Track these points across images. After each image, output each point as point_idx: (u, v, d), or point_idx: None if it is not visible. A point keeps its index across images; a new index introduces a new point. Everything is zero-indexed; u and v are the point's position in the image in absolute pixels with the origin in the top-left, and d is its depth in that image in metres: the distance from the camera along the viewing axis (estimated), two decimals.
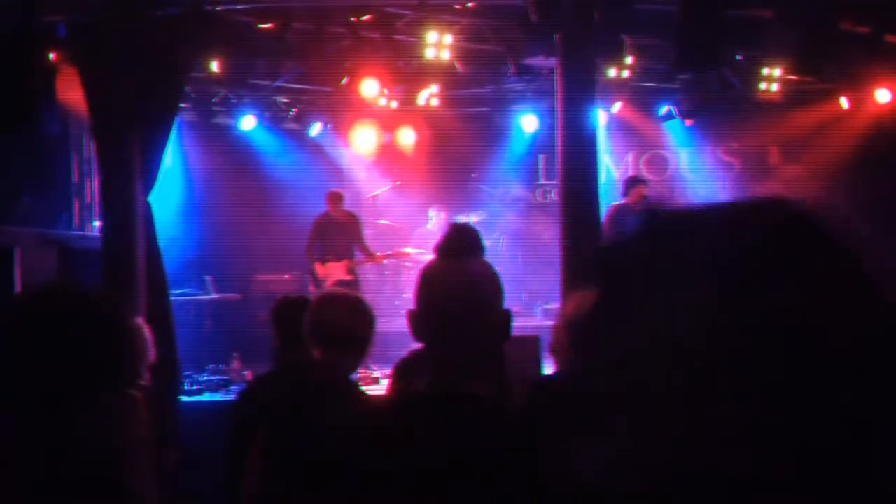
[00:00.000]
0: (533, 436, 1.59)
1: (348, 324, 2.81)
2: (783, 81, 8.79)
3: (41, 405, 1.37)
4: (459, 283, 1.61)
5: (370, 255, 8.87)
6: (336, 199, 8.82)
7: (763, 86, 8.88)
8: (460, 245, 1.64)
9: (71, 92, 7.25)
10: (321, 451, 1.57)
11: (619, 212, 8.54)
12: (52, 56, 6.76)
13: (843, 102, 9.30)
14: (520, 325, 9.14)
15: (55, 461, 1.34)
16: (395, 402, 1.72)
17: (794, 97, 9.41)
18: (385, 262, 9.42)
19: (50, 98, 6.90)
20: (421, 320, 1.64)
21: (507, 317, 1.67)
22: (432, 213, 10.28)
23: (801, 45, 6.85)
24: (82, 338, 1.42)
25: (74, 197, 8.92)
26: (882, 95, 8.96)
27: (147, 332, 3.60)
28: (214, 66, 7.94)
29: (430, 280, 1.64)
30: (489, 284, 1.64)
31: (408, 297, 9.82)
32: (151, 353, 3.68)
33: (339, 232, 8.75)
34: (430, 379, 1.62)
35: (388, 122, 10.93)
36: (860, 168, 9.61)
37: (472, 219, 10.38)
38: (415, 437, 1.54)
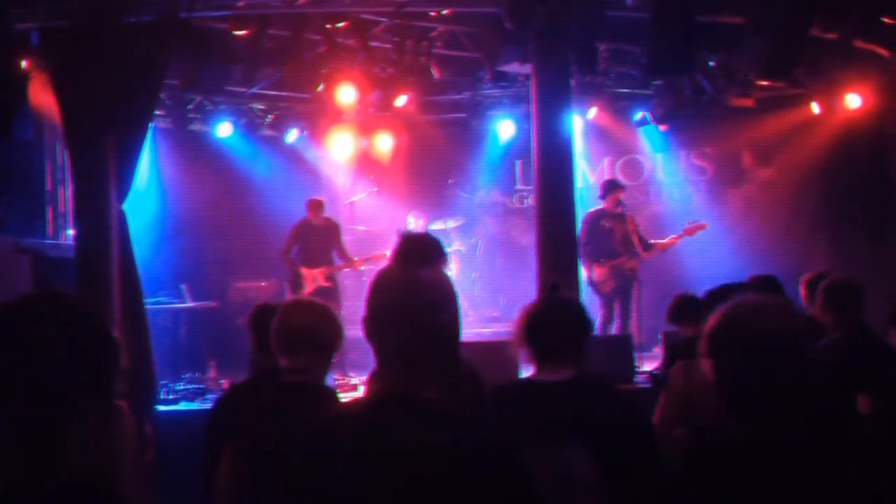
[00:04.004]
0: (492, 436, 1.61)
1: (312, 331, 2.82)
2: (755, 87, 8.90)
3: (28, 412, 1.37)
4: (405, 290, 1.65)
5: (349, 261, 8.87)
6: (316, 206, 8.83)
7: (735, 91, 8.98)
8: (409, 254, 1.67)
9: (44, 99, 7.19)
10: (294, 457, 1.58)
11: (595, 216, 8.59)
12: (24, 63, 6.70)
13: (814, 107, 9.42)
14: (497, 330, 9.18)
15: (41, 468, 1.34)
16: (356, 406, 1.75)
17: (766, 102, 9.53)
18: (363, 267, 9.40)
19: (23, 105, 6.83)
20: (370, 325, 1.66)
21: (453, 327, 1.68)
22: (411, 219, 10.29)
23: (771, 51, 6.94)
24: (70, 347, 1.42)
25: (48, 205, 8.83)
26: (852, 100, 9.09)
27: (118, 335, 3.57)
28: (189, 73, 7.90)
29: (378, 286, 1.68)
30: (437, 292, 1.67)
31: None
32: (124, 358, 3.66)
33: (319, 238, 8.74)
34: (379, 383, 1.65)
35: (365, 128, 10.93)
36: (831, 171, 9.75)
37: (449, 224, 10.41)
38: (369, 439, 1.56)
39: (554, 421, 2.51)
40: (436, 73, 8.80)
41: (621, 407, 2.66)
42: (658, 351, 7.75)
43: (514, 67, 8.05)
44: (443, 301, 1.67)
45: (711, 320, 1.69)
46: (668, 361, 5.05)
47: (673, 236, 8.56)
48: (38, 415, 1.36)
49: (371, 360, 1.73)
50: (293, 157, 10.86)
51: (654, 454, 2.61)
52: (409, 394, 1.60)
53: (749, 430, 1.61)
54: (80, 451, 1.36)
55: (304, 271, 8.62)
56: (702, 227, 8.45)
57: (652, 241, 8.50)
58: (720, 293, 3.71)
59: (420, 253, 1.67)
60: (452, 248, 10.22)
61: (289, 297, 8.41)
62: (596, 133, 10.65)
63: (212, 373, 8.39)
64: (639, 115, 10.23)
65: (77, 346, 1.42)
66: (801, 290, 5.02)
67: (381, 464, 1.51)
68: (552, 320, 2.73)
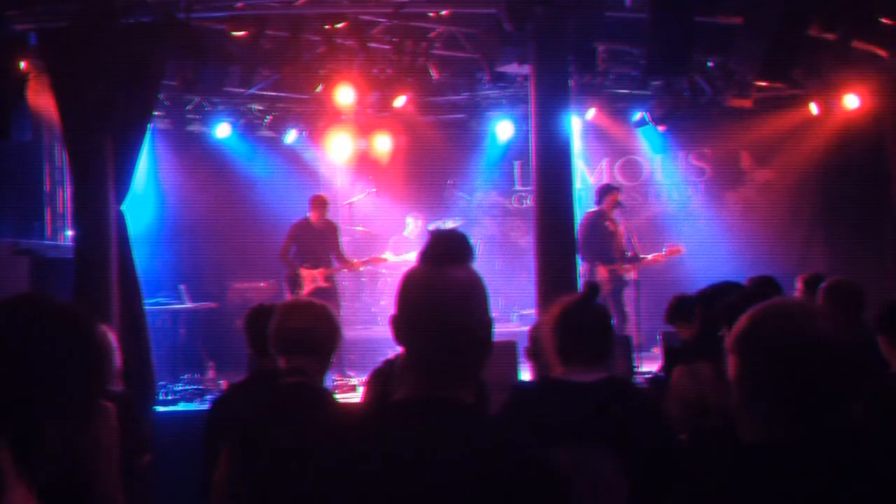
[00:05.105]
0: (512, 438, 1.59)
1: (309, 332, 2.81)
2: (753, 87, 8.90)
3: (7, 415, 1.36)
4: (440, 290, 1.62)
5: (347, 263, 8.84)
6: (320, 204, 8.66)
7: (734, 92, 8.98)
8: (444, 252, 1.65)
9: (42, 100, 7.19)
10: (290, 457, 1.57)
11: (597, 216, 8.61)
12: (23, 64, 6.70)
13: (813, 108, 9.42)
14: (496, 330, 9.17)
15: (23, 469, 1.34)
16: (370, 407, 1.72)
17: (765, 103, 9.53)
18: (362, 268, 9.39)
19: (21, 106, 6.83)
20: (401, 325, 1.65)
21: (487, 326, 1.67)
22: (410, 219, 10.29)
23: (770, 52, 6.94)
24: (49, 349, 1.41)
25: (46, 206, 8.83)
26: (850, 101, 9.09)
27: (112, 337, 3.58)
28: (188, 74, 7.90)
29: (410, 286, 1.65)
30: (471, 293, 1.65)
31: (385, 303, 9.80)
32: (117, 359, 3.66)
33: (318, 239, 8.68)
34: (409, 384, 1.62)
35: (364, 128, 10.93)
36: (829, 172, 9.75)
37: (447, 225, 10.40)
38: (390, 441, 1.54)
39: (585, 422, 2.50)
40: (434, 73, 8.80)
41: (649, 410, 2.65)
42: (657, 351, 7.76)
43: (512, 68, 8.05)
44: (474, 298, 1.65)
45: (742, 319, 1.67)
46: (668, 365, 5.04)
47: (654, 255, 8.66)
48: (15, 416, 1.35)
49: (370, 361, 1.72)
50: (292, 158, 10.86)
51: (677, 459, 2.60)
52: (440, 395, 1.58)
53: (757, 432, 1.59)
54: (59, 452, 1.36)
55: (304, 272, 8.59)
56: (679, 251, 8.68)
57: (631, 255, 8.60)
58: (710, 294, 3.70)
59: (448, 251, 1.66)
60: None
61: (287, 297, 8.41)
62: (595, 134, 10.65)
63: (210, 373, 8.39)
64: (637, 116, 10.23)
65: (57, 348, 1.42)
66: (798, 288, 5.02)
67: (411, 467, 1.49)
68: (590, 320, 2.68)
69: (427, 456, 1.50)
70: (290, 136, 10.53)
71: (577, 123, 9.58)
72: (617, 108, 10.27)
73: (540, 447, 1.58)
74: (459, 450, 1.51)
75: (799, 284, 5.08)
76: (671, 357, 4.84)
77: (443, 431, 1.54)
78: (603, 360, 2.68)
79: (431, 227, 10.42)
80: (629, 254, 8.54)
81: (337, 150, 10.93)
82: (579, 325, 2.67)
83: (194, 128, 10.20)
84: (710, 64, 8.75)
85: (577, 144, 8.77)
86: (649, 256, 8.66)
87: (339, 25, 7.50)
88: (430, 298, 1.62)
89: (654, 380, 5.89)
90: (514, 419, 2.60)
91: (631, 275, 8.43)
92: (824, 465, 1.52)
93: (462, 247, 1.67)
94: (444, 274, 1.63)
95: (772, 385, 1.58)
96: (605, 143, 10.80)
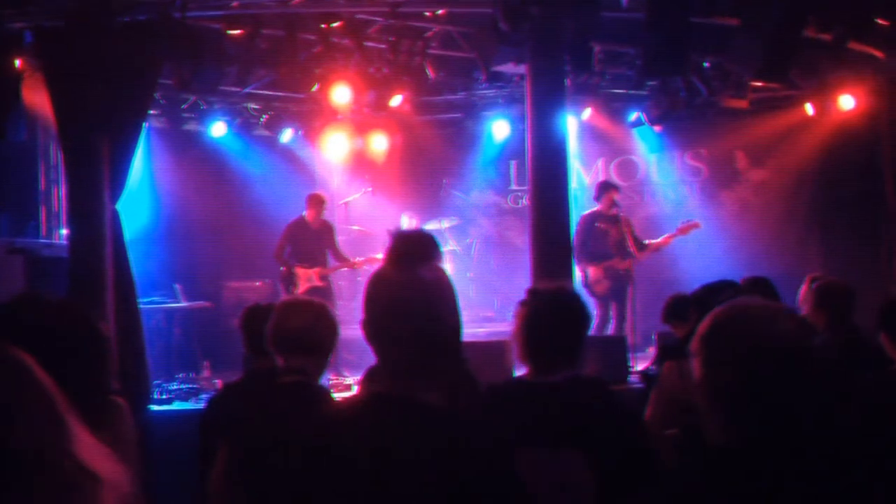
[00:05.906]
0: (471, 436, 1.60)
1: (309, 331, 2.81)
2: (749, 88, 8.92)
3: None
4: (405, 290, 1.62)
5: (346, 261, 8.82)
6: (317, 202, 8.62)
7: (730, 92, 8.99)
8: (410, 252, 1.64)
9: (38, 99, 7.17)
10: (284, 456, 1.58)
11: (590, 218, 8.61)
12: (18, 63, 6.68)
13: (808, 108, 9.44)
14: (492, 330, 9.18)
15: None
16: (342, 406, 1.73)
17: (760, 103, 9.55)
18: (359, 268, 9.38)
19: (16, 105, 6.81)
20: (368, 326, 1.65)
21: (455, 326, 1.66)
22: (405, 219, 10.29)
23: (766, 52, 6.95)
24: (48, 348, 1.41)
25: (41, 205, 8.81)
26: (846, 102, 9.11)
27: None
28: (184, 73, 7.88)
29: (376, 286, 1.65)
30: (438, 293, 1.64)
31: None
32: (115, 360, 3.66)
33: (314, 238, 8.67)
34: (381, 384, 1.63)
35: (360, 127, 10.93)
36: (824, 172, 9.77)
37: (443, 224, 10.41)
38: (358, 439, 1.54)
39: (547, 423, 2.47)
40: (431, 73, 8.79)
41: (617, 410, 2.60)
42: (652, 351, 7.76)
43: (508, 68, 8.05)
44: (443, 300, 1.64)
45: (705, 321, 1.65)
46: (660, 360, 5.06)
47: (667, 235, 8.61)
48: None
49: (367, 360, 1.72)
50: (288, 157, 10.85)
51: (650, 459, 2.55)
52: (402, 394, 1.59)
53: (720, 435, 1.57)
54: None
55: (299, 271, 8.58)
56: (695, 226, 8.54)
57: (646, 242, 8.54)
58: (704, 293, 3.70)
59: (415, 251, 1.65)
60: (447, 248, 10.22)
61: (283, 296, 8.39)
62: (590, 134, 10.65)
63: (206, 373, 8.38)
64: (633, 116, 10.24)
65: (56, 347, 1.42)
66: (804, 288, 5.03)
67: (370, 463, 1.50)
68: (551, 320, 2.63)
69: (386, 454, 1.51)
70: (286, 136, 10.52)
71: (573, 123, 9.58)
72: (613, 108, 10.28)
73: (499, 447, 1.58)
74: (418, 448, 1.51)
75: (806, 284, 5.09)
76: (664, 353, 4.86)
77: (403, 430, 1.53)
78: (567, 360, 2.62)
79: (429, 226, 10.43)
80: (645, 241, 8.49)
81: (333, 149, 10.92)
82: (541, 325, 2.62)
83: (190, 127, 10.18)
84: (706, 64, 8.76)
85: (572, 144, 8.77)
86: (660, 238, 8.62)
87: (335, 25, 7.50)
88: (395, 299, 1.62)
89: (646, 375, 5.92)
90: (487, 421, 2.58)
91: (631, 271, 8.42)
92: (783, 471, 1.49)
93: (428, 246, 1.66)
94: (409, 274, 1.62)
95: (733, 387, 1.55)
96: (600, 142, 10.81)
